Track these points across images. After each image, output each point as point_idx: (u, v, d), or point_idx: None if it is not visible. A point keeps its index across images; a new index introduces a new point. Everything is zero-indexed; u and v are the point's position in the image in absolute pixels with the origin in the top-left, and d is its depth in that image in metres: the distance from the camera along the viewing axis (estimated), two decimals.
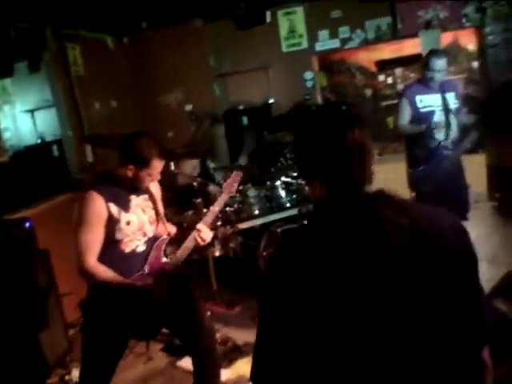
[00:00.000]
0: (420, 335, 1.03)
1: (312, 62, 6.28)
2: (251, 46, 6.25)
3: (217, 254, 4.17)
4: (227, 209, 4.26)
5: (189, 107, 6.52)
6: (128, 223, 2.37)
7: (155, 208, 2.57)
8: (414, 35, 5.81)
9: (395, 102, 5.64)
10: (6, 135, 6.06)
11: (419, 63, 5.04)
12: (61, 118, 5.41)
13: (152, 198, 2.56)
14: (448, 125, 3.86)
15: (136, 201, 2.46)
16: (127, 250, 2.39)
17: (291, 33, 6.29)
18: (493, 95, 4.28)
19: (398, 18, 5.93)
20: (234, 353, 3.43)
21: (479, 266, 1.14)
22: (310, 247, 1.11)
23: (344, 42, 6.18)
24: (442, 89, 3.86)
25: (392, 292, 1.04)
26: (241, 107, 6.47)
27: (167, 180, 4.03)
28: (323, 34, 6.21)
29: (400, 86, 5.95)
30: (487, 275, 1.96)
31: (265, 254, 4.13)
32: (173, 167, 4.18)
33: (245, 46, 6.28)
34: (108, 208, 2.30)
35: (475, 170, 5.01)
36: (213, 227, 3.99)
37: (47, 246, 3.51)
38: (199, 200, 4.03)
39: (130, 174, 2.33)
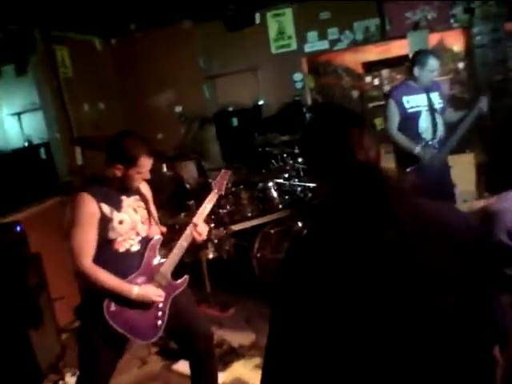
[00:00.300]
0: (434, 331, 1.03)
1: (301, 63, 6.29)
2: (241, 48, 6.24)
3: (210, 256, 4.16)
4: (220, 211, 4.25)
5: (178, 109, 6.48)
6: (121, 222, 2.36)
7: (147, 208, 2.56)
8: (403, 36, 5.84)
9: (382, 103, 5.69)
10: None
11: (407, 64, 5.06)
12: (48, 120, 5.34)
13: (143, 199, 2.55)
14: (434, 125, 3.90)
15: (127, 201, 2.44)
16: (121, 249, 2.37)
17: (280, 34, 6.29)
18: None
19: (387, 19, 5.96)
20: (230, 355, 3.42)
21: None
22: (321, 247, 1.10)
23: (333, 43, 6.19)
24: (427, 89, 3.90)
25: (407, 291, 1.03)
26: (230, 109, 6.46)
27: (160, 182, 4.01)
28: (312, 35, 6.22)
29: (387, 88, 5.96)
30: None
31: (258, 255, 4.13)
32: (165, 169, 4.15)
33: (234, 48, 6.26)
34: (100, 208, 2.29)
35: (464, 169, 5.06)
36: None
37: (37, 250, 3.47)
38: (192, 202, 4.01)
39: (119, 173, 2.33)
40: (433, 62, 3.80)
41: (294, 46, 6.29)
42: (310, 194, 4.46)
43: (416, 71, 3.86)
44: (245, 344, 3.56)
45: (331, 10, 6.08)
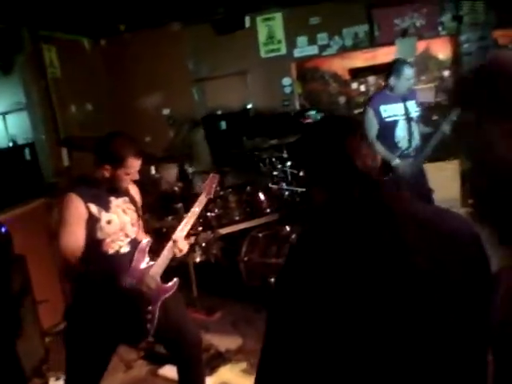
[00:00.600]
0: (431, 334, 1.04)
1: (290, 68, 6.31)
2: (230, 51, 6.23)
3: (197, 259, 4.14)
4: (208, 214, 4.23)
5: (166, 111, 6.45)
6: (109, 222, 2.35)
7: (136, 211, 2.55)
8: (391, 43, 5.90)
9: None
10: None
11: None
12: (34, 121, 5.27)
13: (132, 201, 2.55)
14: (410, 133, 3.94)
15: (116, 202, 2.44)
16: (110, 251, 2.36)
17: (270, 38, 6.30)
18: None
19: (375, 25, 6.01)
20: (217, 360, 3.39)
21: None
22: (322, 251, 1.11)
23: (322, 48, 6.22)
24: (404, 98, 3.95)
25: (406, 294, 1.04)
26: (219, 112, 6.45)
27: (148, 185, 3.98)
28: (302, 40, 6.24)
29: None
30: None
31: (246, 259, 4.12)
32: (153, 171, 4.12)
33: (223, 51, 6.25)
34: (88, 208, 2.30)
35: (449, 177, 5.10)
36: (193, 232, 3.97)
37: (22, 251, 3.42)
38: (180, 205, 3.99)
39: (107, 174, 2.33)
40: (408, 71, 3.87)
41: (283, 51, 6.31)
42: (298, 199, 4.46)
43: (392, 80, 3.92)
44: (231, 348, 3.54)
45: (321, 15, 6.11)
